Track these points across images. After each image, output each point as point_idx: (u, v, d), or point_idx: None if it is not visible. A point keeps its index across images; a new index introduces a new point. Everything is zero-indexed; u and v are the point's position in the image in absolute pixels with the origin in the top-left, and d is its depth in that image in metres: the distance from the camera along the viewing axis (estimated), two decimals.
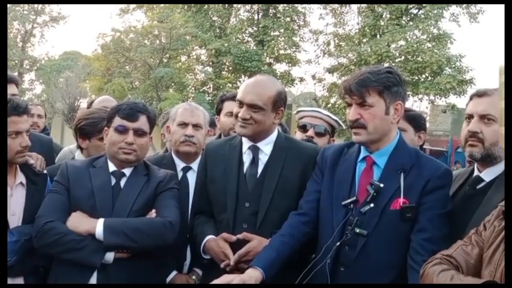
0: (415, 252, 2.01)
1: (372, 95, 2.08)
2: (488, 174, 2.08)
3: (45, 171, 2.57)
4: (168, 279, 2.62)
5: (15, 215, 2.34)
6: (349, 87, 2.09)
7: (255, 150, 2.45)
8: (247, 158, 2.46)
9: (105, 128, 2.49)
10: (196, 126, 2.79)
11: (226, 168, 2.46)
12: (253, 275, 2.07)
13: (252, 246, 2.30)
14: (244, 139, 2.49)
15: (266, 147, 2.45)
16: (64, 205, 2.35)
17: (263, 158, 2.44)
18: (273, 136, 2.47)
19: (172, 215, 2.36)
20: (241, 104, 2.39)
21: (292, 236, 2.23)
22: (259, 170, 2.43)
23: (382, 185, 2.07)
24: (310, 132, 3.04)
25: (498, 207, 1.72)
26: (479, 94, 2.10)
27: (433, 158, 2.22)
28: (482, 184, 2.10)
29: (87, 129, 2.80)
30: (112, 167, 2.45)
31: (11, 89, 3.10)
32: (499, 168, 2.01)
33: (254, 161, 2.44)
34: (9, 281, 2.28)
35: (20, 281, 2.33)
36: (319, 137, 3.03)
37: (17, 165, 2.42)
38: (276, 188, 2.37)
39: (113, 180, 2.43)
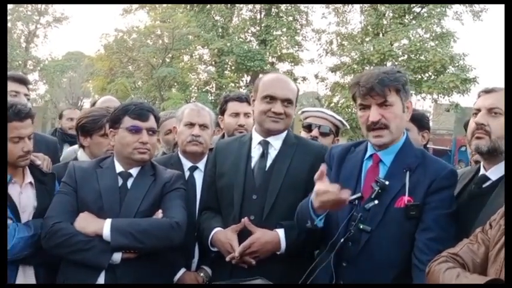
0: (420, 252, 2.01)
1: (392, 93, 2.11)
2: (494, 173, 2.08)
3: (52, 171, 2.59)
4: (177, 277, 2.64)
5: (25, 212, 2.38)
6: (372, 87, 2.08)
7: (265, 145, 2.49)
8: (256, 153, 2.50)
9: (110, 129, 2.49)
10: (202, 126, 2.82)
11: (234, 162, 2.51)
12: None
13: (256, 238, 2.34)
14: (254, 135, 2.54)
15: (276, 142, 2.50)
16: (72, 206, 2.37)
17: (272, 153, 2.49)
18: (284, 132, 2.53)
19: (179, 216, 2.37)
20: (272, 99, 2.43)
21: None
22: (268, 163, 2.47)
23: (387, 183, 2.09)
24: (315, 132, 3.08)
25: (504, 206, 1.73)
26: (487, 91, 2.12)
27: (439, 159, 2.23)
28: (488, 183, 2.10)
29: (88, 127, 2.82)
30: (119, 168, 2.46)
31: (22, 89, 3.18)
32: None
33: (264, 155, 2.48)
34: (20, 269, 2.33)
35: (30, 270, 2.37)
36: (323, 136, 3.07)
37: (26, 166, 2.45)
38: (284, 181, 2.41)
39: (120, 181, 2.44)
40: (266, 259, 2.36)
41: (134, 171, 2.47)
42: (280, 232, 2.37)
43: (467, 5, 21.46)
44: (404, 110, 2.15)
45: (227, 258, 2.36)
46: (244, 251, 2.32)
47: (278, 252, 2.37)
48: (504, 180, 2.01)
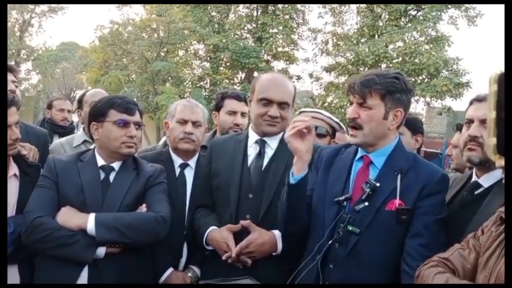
0: (409, 257, 2.00)
1: (374, 97, 2.06)
2: (487, 180, 2.08)
3: (38, 163, 2.54)
4: (164, 276, 2.61)
5: (9, 206, 2.32)
6: (353, 85, 2.09)
7: (262, 144, 2.48)
8: (252, 151, 2.50)
9: (93, 122, 2.44)
10: (195, 123, 2.79)
11: (230, 161, 2.49)
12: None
13: (253, 238, 2.32)
14: (251, 133, 2.53)
15: (273, 141, 2.49)
16: (53, 200, 2.31)
17: (269, 152, 2.48)
18: (281, 132, 2.51)
19: (164, 210, 2.35)
20: (268, 102, 2.42)
21: None
22: (265, 162, 2.46)
23: (378, 184, 2.06)
24: None
25: (496, 213, 1.72)
26: (479, 99, 2.09)
27: (431, 163, 2.21)
28: (481, 190, 2.10)
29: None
30: (101, 161, 2.43)
31: (9, 77, 3.10)
32: (498, 173, 2.01)
33: (260, 154, 2.47)
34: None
35: (14, 268, 2.32)
36: (320, 138, 3.06)
37: (10, 157, 2.40)
38: (281, 180, 2.37)
39: (102, 175, 2.40)
40: (259, 259, 2.35)
41: (116, 165, 2.44)
42: (277, 233, 2.35)
43: (462, 10, 21.54)
44: (387, 117, 2.09)
45: (223, 257, 2.35)
46: (241, 251, 2.31)
47: (274, 253, 2.36)
48: (496, 187, 2.02)
